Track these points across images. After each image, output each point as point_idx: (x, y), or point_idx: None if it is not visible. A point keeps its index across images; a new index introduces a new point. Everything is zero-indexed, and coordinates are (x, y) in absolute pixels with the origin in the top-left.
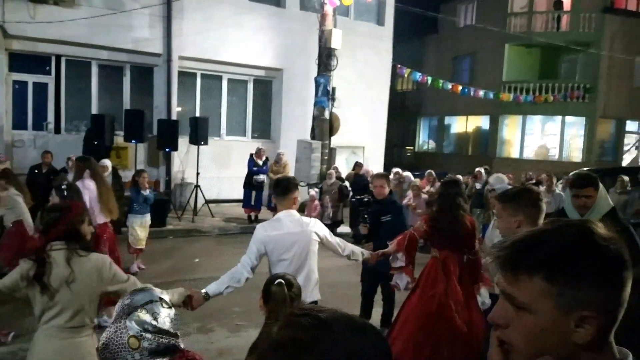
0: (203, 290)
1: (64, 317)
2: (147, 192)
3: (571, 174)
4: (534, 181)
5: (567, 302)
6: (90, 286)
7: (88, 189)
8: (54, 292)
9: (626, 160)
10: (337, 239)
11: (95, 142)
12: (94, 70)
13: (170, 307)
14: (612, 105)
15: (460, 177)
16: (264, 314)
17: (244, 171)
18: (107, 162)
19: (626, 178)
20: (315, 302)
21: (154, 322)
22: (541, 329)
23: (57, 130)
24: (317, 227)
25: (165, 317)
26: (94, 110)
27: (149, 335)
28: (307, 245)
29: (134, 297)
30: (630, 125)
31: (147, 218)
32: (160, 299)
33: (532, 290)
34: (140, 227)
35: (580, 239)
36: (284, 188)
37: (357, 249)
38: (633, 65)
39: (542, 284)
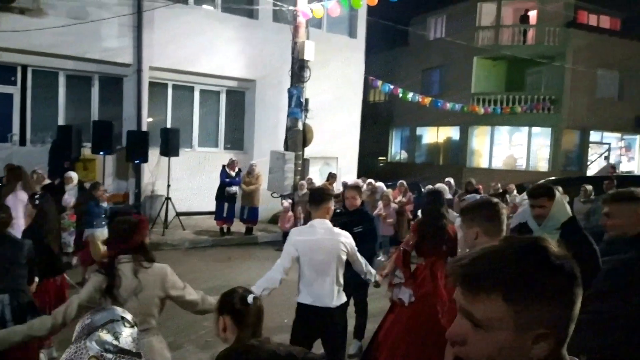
0: None
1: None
2: (105, 205)
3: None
4: (500, 191)
5: (525, 321)
6: (154, 294)
7: (22, 200)
8: (123, 302)
9: (593, 170)
10: (361, 257)
11: (62, 154)
12: (62, 80)
13: (132, 326)
14: (576, 116)
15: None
16: (225, 339)
17: (216, 183)
18: (73, 175)
19: (589, 187)
20: (344, 305)
21: (115, 342)
22: (499, 347)
23: (22, 142)
24: (346, 239)
25: (127, 336)
26: (61, 121)
27: (109, 356)
28: (334, 253)
29: (94, 316)
30: (594, 136)
31: (106, 231)
32: (122, 317)
33: (491, 309)
34: (102, 240)
35: (536, 259)
36: (319, 198)
37: (373, 271)
38: (595, 78)
39: (500, 303)
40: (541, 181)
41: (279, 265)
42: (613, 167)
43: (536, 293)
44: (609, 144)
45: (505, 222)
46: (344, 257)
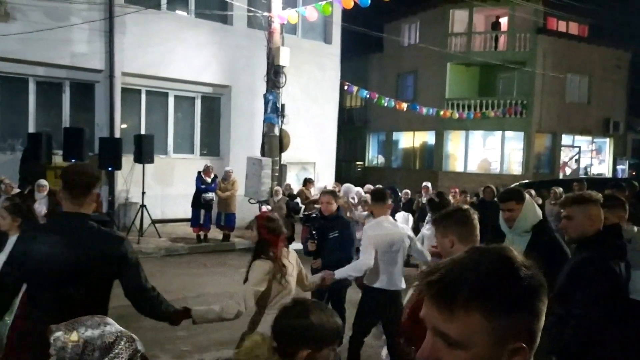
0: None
1: (287, 299)
2: None
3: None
4: (479, 196)
5: (502, 334)
6: (297, 271)
7: None
8: (286, 283)
9: (566, 173)
10: (419, 246)
11: (32, 162)
12: (32, 87)
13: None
14: (547, 120)
15: (408, 191)
16: None
17: (191, 189)
18: (45, 182)
19: (559, 189)
20: (400, 291)
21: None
22: None
23: None
24: (409, 231)
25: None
26: (31, 128)
27: None
28: (402, 243)
29: (112, 324)
30: (566, 139)
31: None
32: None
33: (469, 326)
34: None
35: (507, 270)
36: (382, 196)
37: (429, 256)
38: (564, 83)
39: (478, 319)
40: (513, 185)
41: (364, 259)
42: (564, 165)
43: (512, 305)
44: (579, 147)
45: (478, 227)
46: (407, 245)
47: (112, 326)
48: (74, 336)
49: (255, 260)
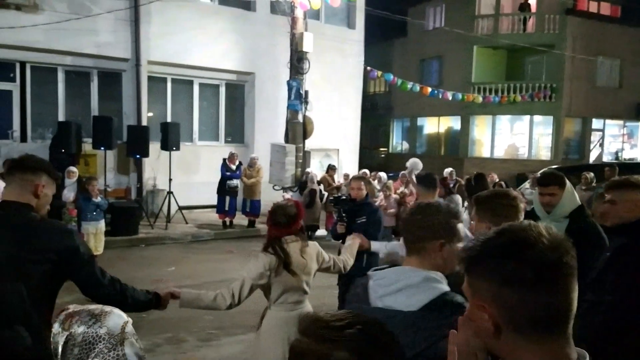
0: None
1: (294, 295)
2: (98, 199)
3: (539, 172)
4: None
5: (472, 290)
6: (314, 267)
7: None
8: (294, 278)
9: (591, 158)
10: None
11: (62, 150)
12: (60, 76)
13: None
14: (576, 104)
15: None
16: None
17: (217, 176)
18: (74, 169)
19: (590, 175)
20: None
21: (140, 346)
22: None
23: (23, 138)
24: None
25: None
26: (61, 117)
27: None
28: None
29: (107, 321)
30: (596, 124)
31: (101, 224)
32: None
33: (465, 278)
34: (94, 234)
35: (506, 244)
36: (432, 182)
37: None
38: (595, 66)
39: (464, 272)
40: (545, 169)
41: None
42: None
43: (471, 264)
44: (602, 131)
45: (522, 211)
46: None
47: (104, 324)
48: (67, 325)
49: (262, 251)
